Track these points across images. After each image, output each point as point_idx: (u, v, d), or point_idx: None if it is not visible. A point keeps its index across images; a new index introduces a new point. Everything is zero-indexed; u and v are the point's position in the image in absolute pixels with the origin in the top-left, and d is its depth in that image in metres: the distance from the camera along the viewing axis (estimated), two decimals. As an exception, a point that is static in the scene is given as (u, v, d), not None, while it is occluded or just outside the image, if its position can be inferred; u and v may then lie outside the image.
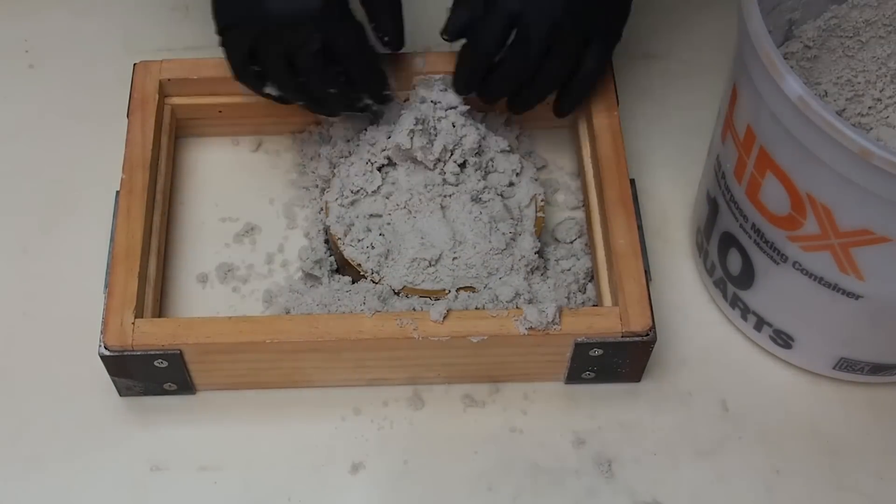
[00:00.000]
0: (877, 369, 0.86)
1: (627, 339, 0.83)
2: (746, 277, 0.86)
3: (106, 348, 0.81)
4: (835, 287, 0.79)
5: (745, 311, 0.89)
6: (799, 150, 0.73)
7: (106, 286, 0.83)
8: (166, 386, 0.86)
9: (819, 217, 0.75)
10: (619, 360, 0.85)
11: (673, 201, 0.97)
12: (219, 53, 0.93)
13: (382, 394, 0.88)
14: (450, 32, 0.86)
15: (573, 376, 0.87)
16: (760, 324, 0.88)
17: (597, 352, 0.83)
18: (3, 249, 0.95)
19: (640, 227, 0.86)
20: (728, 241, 0.86)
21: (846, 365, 0.86)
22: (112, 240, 0.85)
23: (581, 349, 0.83)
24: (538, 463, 0.86)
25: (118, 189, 0.88)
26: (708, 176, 0.89)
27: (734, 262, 0.86)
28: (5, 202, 0.97)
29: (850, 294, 0.79)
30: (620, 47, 0.93)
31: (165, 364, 0.82)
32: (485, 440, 0.86)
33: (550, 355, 0.85)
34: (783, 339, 0.88)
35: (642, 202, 0.94)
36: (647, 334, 0.83)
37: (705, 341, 0.91)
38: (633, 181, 0.89)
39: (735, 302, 0.89)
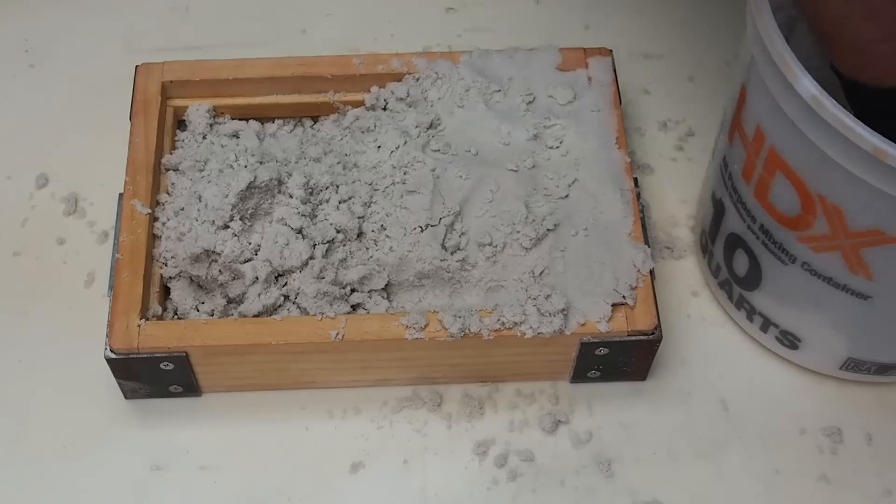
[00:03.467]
0: (883, 369, 0.86)
1: (633, 337, 0.83)
2: (753, 279, 0.86)
3: (112, 351, 0.81)
4: (844, 287, 0.79)
5: (752, 313, 0.89)
6: (811, 151, 0.73)
7: (110, 288, 0.83)
8: (172, 388, 0.86)
9: (829, 218, 0.75)
10: (625, 358, 0.85)
11: (674, 200, 0.97)
12: (220, 55, 0.93)
13: (382, 393, 0.88)
14: None
15: (578, 375, 0.87)
16: (767, 325, 0.88)
17: (603, 351, 0.83)
18: (5, 250, 0.94)
19: (644, 226, 0.87)
20: (735, 242, 0.86)
21: (853, 365, 0.87)
22: (116, 242, 0.85)
23: (587, 348, 0.83)
24: (538, 463, 0.86)
25: (121, 192, 0.87)
26: (713, 177, 0.89)
27: (741, 264, 0.86)
28: (6, 203, 0.97)
29: (859, 294, 0.79)
30: (620, 47, 0.94)
31: (171, 366, 0.82)
32: (485, 439, 0.86)
33: (556, 355, 0.85)
34: (790, 340, 0.88)
35: (643, 201, 0.94)
36: (653, 333, 0.83)
37: (705, 341, 0.92)
38: (636, 180, 0.89)
39: (741, 303, 0.89)
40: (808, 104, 0.71)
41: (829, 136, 0.71)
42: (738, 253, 0.86)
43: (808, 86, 0.71)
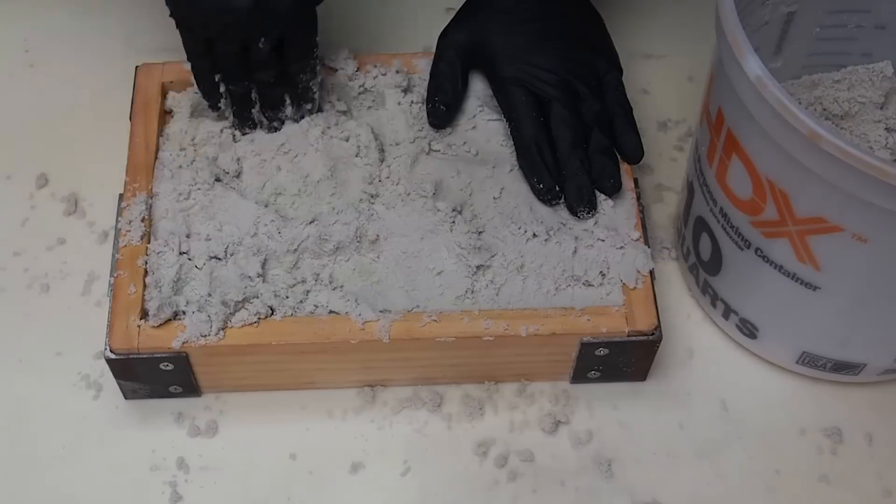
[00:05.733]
0: (839, 367, 0.87)
1: (633, 338, 0.83)
2: (715, 263, 0.86)
3: (111, 351, 0.81)
4: (794, 276, 0.80)
5: (715, 298, 0.89)
6: (759, 133, 0.74)
7: (110, 289, 0.83)
8: (172, 389, 0.86)
9: (777, 202, 0.76)
10: (625, 359, 0.85)
11: (674, 200, 0.97)
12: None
13: (383, 394, 0.88)
14: None
15: (579, 376, 0.87)
16: (728, 311, 0.89)
17: (602, 351, 0.83)
18: (6, 251, 0.94)
19: (644, 226, 0.87)
20: (701, 226, 0.87)
21: (809, 360, 0.87)
22: (116, 242, 0.85)
23: (587, 349, 0.83)
24: (538, 463, 0.86)
25: (121, 192, 0.87)
26: (688, 161, 0.90)
27: (705, 248, 0.87)
28: (6, 203, 0.97)
29: (808, 285, 0.79)
30: (620, 47, 0.94)
31: (171, 367, 0.82)
32: (485, 440, 0.87)
33: (556, 355, 0.85)
34: (748, 329, 0.88)
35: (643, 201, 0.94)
36: (653, 333, 0.83)
37: (704, 341, 0.92)
38: (636, 180, 0.89)
39: (706, 288, 0.90)
40: (753, 84, 0.71)
41: (772, 118, 0.71)
42: (703, 237, 0.87)
43: (753, 65, 0.71)
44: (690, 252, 0.90)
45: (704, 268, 0.88)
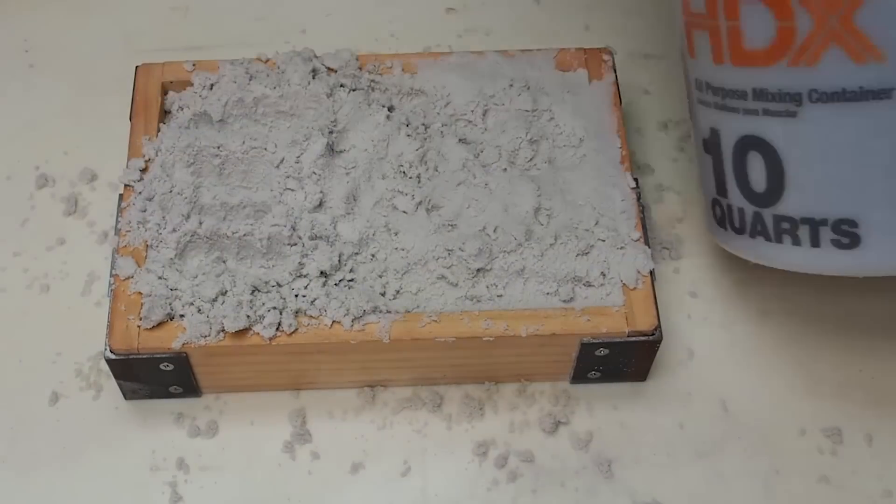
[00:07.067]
0: None
1: (633, 338, 0.83)
2: (777, 178, 0.73)
3: (111, 352, 0.81)
4: (864, 94, 0.66)
5: (794, 228, 0.74)
6: None
7: (110, 289, 0.83)
8: (172, 389, 0.86)
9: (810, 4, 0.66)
10: (625, 359, 0.85)
11: (674, 201, 0.97)
12: (220, 55, 0.93)
13: (383, 394, 0.88)
14: None
15: (579, 376, 0.87)
16: (816, 229, 0.73)
17: (603, 351, 0.84)
18: (5, 251, 0.94)
19: (644, 226, 0.87)
20: (744, 146, 0.75)
21: None
22: (116, 242, 0.85)
23: (587, 349, 0.83)
24: (538, 463, 0.86)
25: (121, 192, 0.87)
26: (695, 120, 0.84)
27: (757, 172, 0.74)
28: (5, 203, 0.97)
29: (885, 94, 0.65)
30: (621, 47, 0.94)
31: (171, 367, 0.82)
32: (485, 440, 0.86)
33: (556, 355, 0.85)
34: (848, 234, 0.72)
35: (643, 201, 0.94)
36: (653, 333, 0.83)
37: (705, 342, 0.92)
38: (636, 180, 0.89)
39: (778, 227, 0.75)
40: None
41: None
42: (749, 161, 0.75)
43: None
44: (733, 209, 0.79)
45: (764, 200, 0.75)
